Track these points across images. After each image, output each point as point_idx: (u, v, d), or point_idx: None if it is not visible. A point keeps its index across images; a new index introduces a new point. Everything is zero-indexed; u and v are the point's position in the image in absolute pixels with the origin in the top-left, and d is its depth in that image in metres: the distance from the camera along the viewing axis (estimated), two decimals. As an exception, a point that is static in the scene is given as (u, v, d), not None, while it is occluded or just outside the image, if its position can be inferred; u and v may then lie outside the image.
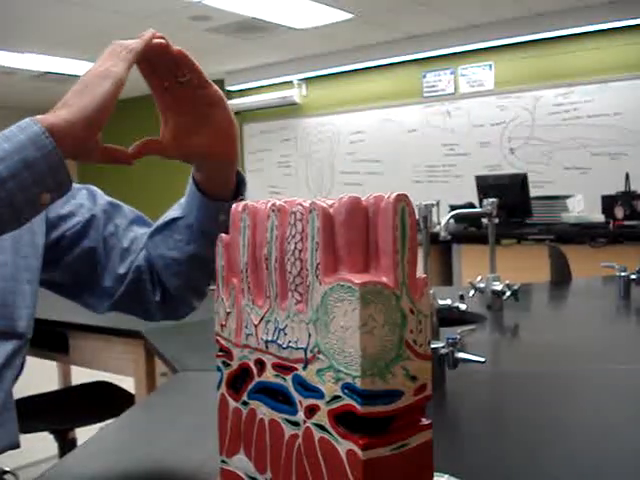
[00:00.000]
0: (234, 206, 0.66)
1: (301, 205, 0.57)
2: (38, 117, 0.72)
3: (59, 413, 2.24)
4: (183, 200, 1.00)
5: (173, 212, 1.01)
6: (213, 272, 0.98)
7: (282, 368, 0.59)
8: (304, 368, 0.56)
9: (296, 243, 0.57)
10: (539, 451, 0.85)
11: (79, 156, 0.77)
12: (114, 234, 1.06)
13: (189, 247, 0.98)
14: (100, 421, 2.03)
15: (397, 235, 0.53)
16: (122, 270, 1.05)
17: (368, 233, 0.54)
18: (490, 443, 0.91)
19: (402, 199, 0.53)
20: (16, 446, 1.04)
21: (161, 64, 0.83)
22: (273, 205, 0.60)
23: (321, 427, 0.54)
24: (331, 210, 0.55)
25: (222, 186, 0.94)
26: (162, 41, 0.80)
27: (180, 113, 0.85)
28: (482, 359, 1.10)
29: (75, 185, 1.07)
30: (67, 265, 1.06)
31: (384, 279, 0.52)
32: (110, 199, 1.11)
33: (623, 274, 2.03)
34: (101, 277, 1.06)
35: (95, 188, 1.12)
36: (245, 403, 0.64)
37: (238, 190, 0.95)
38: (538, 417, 1.00)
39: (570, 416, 0.99)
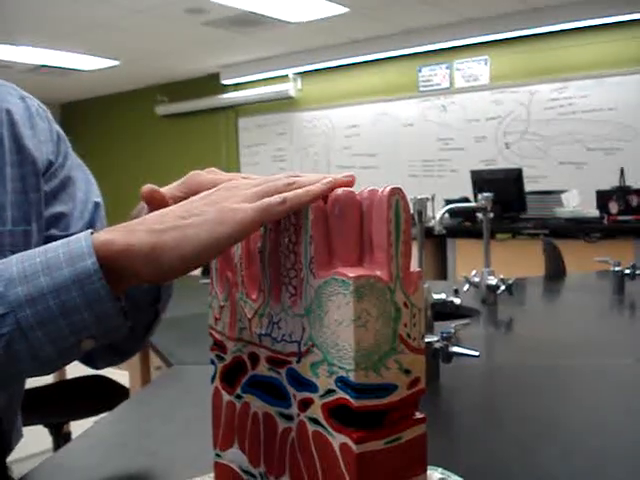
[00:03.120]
0: None
1: (295, 198, 0.57)
2: (101, 239, 0.54)
3: (54, 407, 2.24)
4: None
5: None
6: (136, 339, 0.94)
7: (276, 362, 0.59)
8: (298, 362, 0.56)
9: (290, 236, 0.57)
10: (534, 445, 0.85)
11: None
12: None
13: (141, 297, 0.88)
14: (95, 415, 2.03)
15: (391, 229, 0.53)
16: None
17: (362, 227, 0.54)
18: (484, 437, 0.91)
19: (396, 193, 0.53)
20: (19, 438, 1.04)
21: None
22: (267, 198, 0.60)
23: (315, 421, 0.54)
24: (325, 204, 0.55)
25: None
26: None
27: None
28: (476, 353, 1.10)
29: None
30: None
31: (378, 273, 0.52)
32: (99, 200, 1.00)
33: (617, 269, 2.03)
34: None
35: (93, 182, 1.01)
36: (239, 397, 0.64)
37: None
38: (533, 411, 1.00)
39: (565, 410, 1.00)
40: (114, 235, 0.55)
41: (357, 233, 0.54)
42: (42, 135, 0.95)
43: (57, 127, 0.99)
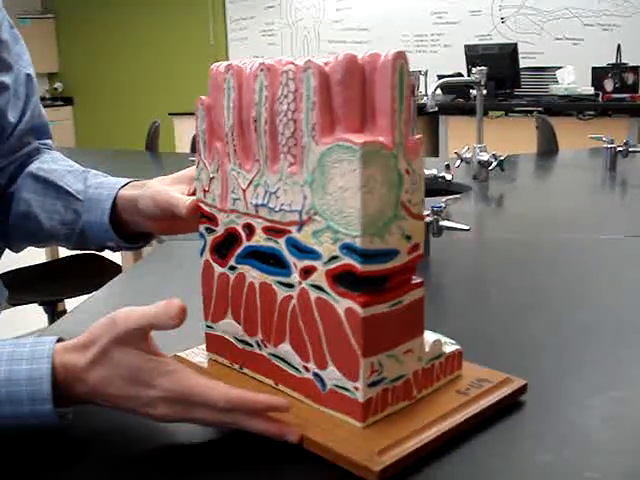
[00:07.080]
0: (216, 67, 0.63)
1: (293, 64, 0.54)
2: (60, 379, 0.57)
3: (48, 285, 2.26)
4: (92, 191, 0.83)
5: (74, 184, 0.84)
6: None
7: (274, 231, 0.58)
8: (299, 230, 0.55)
9: (289, 104, 0.55)
10: (520, 317, 0.86)
11: None
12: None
13: (58, 227, 0.85)
14: (88, 292, 2.04)
15: (395, 94, 0.51)
16: None
17: (365, 92, 0.52)
18: (472, 309, 0.92)
19: (401, 57, 0.51)
20: None
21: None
22: (262, 64, 0.57)
23: (318, 287, 0.54)
24: (327, 68, 0.52)
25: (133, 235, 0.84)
26: None
27: None
28: (467, 227, 1.10)
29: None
30: None
31: (382, 139, 0.51)
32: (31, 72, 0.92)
33: (610, 146, 2.01)
34: None
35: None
36: (233, 268, 0.63)
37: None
38: (520, 284, 1.01)
39: (552, 283, 1.01)
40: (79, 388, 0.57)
41: (360, 99, 0.52)
42: None
43: None
